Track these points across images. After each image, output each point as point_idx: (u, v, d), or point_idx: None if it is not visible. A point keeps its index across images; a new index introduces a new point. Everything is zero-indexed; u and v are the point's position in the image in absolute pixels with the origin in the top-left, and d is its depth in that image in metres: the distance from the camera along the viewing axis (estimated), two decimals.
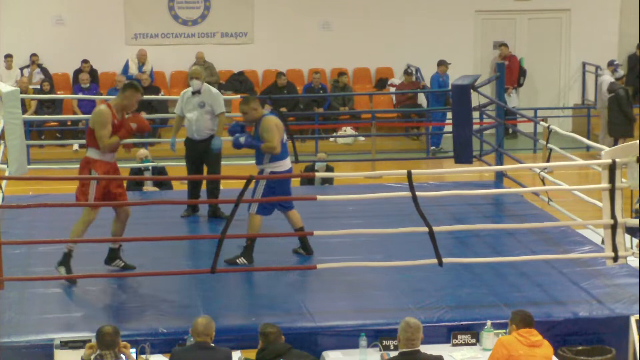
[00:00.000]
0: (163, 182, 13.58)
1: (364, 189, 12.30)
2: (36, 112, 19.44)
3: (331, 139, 20.36)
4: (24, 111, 17.34)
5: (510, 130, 17.65)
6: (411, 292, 9.08)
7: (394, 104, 21.40)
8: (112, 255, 9.65)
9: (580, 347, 8.45)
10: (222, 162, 11.56)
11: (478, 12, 21.66)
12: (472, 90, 12.60)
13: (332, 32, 21.37)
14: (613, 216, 8.66)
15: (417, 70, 20.89)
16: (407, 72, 20.61)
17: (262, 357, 7.50)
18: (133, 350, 7.67)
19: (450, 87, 18.88)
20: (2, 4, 20.51)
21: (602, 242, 9.37)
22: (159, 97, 18.70)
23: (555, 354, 8.03)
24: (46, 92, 19.29)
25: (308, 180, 13.92)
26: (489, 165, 13.18)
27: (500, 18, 21.82)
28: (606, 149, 8.88)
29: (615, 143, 18.36)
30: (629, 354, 8.50)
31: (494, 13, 21.77)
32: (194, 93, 11.33)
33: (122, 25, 20.90)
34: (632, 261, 9.37)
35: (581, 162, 10.93)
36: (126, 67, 20.68)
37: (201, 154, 11.37)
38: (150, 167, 13.73)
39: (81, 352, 7.55)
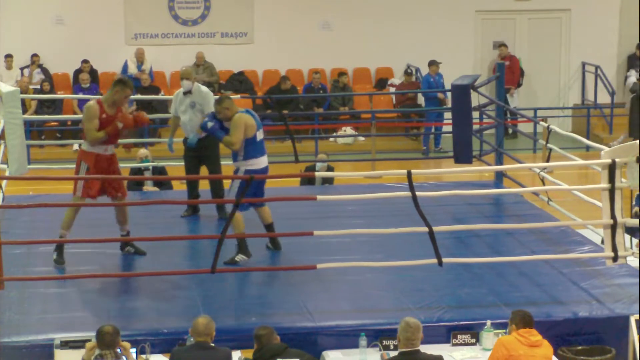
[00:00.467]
0: (163, 182, 13.58)
1: (364, 189, 12.29)
2: (36, 112, 19.44)
3: (331, 139, 20.36)
4: (24, 111, 17.33)
5: (510, 130, 17.68)
6: (411, 292, 9.08)
7: (394, 104, 21.40)
8: (124, 242, 10.03)
9: (580, 347, 8.45)
10: (222, 162, 11.55)
11: (478, 12, 21.66)
12: (472, 90, 12.60)
13: (332, 32, 21.37)
14: (613, 216, 8.67)
15: (417, 70, 20.89)
16: (407, 72, 20.61)
17: (259, 357, 7.52)
18: (133, 350, 7.68)
19: (444, 87, 19.09)
20: (2, 4, 20.50)
21: (602, 242, 9.38)
22: (159, 97, 18.71)
23: (555, 354, 8.03)
24: (46, 92, 19.28)
25: (308, 180, 13.92)
26: (489, 165, 13.18)
27: (500, 18, 21.82)
28: (605, 148, 8.89)
29: None
30: (628, 354, 8.50)
31: (494, 13, 21.77)
32: (185, 93, 11.35)
33: (122, 25, 20.90)
34: (632, 261, 9.38)
35: (581, 162, 10.93)
36: (125, 67, 20.69)
37: (198, 153, 11.38)
38: (150, 167, 13.73)
39: (81, 352, 7.56)
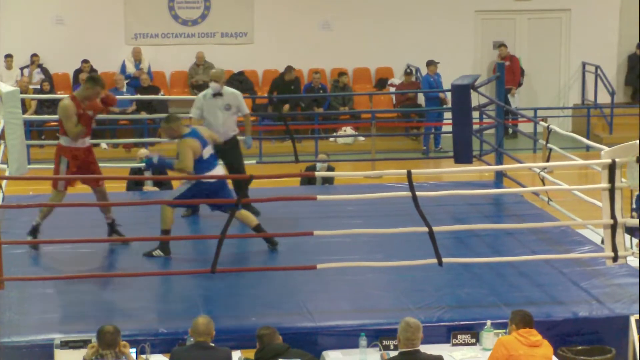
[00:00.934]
0: (163, 182, 13.57)
1: (364, 189, 12.29)
2: (36, 112, 19.44)
3: (331, 139, 20.36)
4: (24, 111, 17.34)
5: (510, 130, 17.67)
6: (411, 292, 9.08)
7: (394, 104, 21.40)
8: (110, 230, 10.46)
9: (580, 347, 8.45)
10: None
11: (478, 12, 21.66)
12: (472, 90, 12.60)
13: (332, 32, 21.36)
14: (613, 216, 8.67)
15: (417, 70, 20.89)
16: (407, 72, 20.61)
17: (261, 357, 7.52)
18: (133, 350, 7.68)
19: (445, 87, 19.08)
20: (2, 4, 20.50)
21: (602, 242, 9.38)
22: (159, 97, 18.71)
23: (555, 353, 8.03)
24: (46, 92, 19.29)
25: (308, 180, 13.92)
26: (489, 165, 13.18)
27: (500, 18, 21.82)
28: (605, 148, 8.88)
29: None
30: (628, 353, 8.50)
31: (494, 13, 21.77)
32: (215, 95, 11.29)
33: (122, 25, 20.90)
34: (632, 261, 9.37)
35: (581, 162, 10.93)
36: (124, 67, 20.69)
37: (226, 154, 11.32)
38: (155, 161, 13.66)
39: (81, 352, 7.56)
